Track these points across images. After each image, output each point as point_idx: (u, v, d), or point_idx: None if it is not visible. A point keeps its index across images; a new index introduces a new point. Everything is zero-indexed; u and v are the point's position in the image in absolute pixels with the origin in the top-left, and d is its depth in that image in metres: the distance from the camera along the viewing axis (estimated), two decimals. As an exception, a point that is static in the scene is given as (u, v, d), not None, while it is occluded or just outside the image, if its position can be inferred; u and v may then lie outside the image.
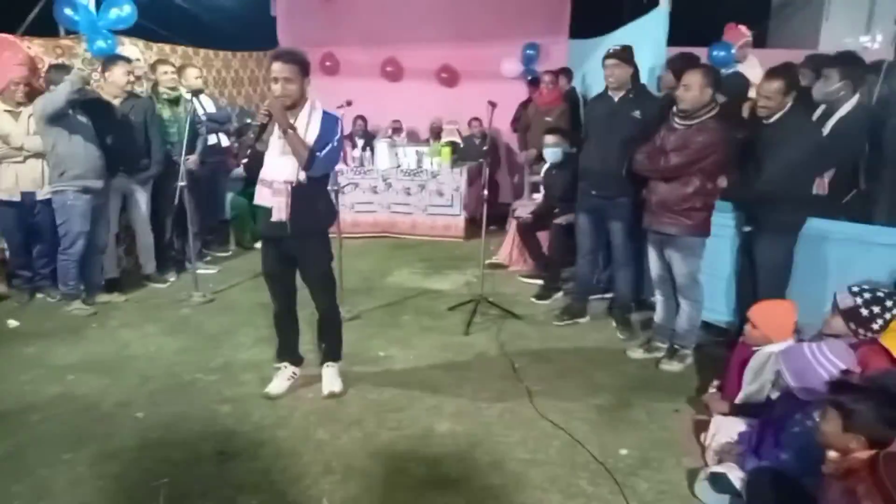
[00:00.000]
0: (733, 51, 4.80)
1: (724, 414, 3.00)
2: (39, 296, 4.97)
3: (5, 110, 4.56)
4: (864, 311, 2.62)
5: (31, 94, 4.72)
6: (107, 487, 2.67)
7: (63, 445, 2.97)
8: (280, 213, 3.14)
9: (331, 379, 3.49)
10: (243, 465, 2.84)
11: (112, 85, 4.95)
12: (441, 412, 3.30)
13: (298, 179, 3.12)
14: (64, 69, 4.70)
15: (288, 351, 3.56)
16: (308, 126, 3.12)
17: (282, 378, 3.52)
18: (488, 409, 3.33)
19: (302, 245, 3.25)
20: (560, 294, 5.02)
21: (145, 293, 5.25)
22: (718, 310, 3.99)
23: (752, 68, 4.12)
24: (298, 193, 3.14)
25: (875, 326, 2.59)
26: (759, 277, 3.57)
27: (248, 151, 3.23)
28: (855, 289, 2.69)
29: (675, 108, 3.51)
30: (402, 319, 4.65)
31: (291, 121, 3.07)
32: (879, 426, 2.07)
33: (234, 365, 3.87)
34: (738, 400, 2.98)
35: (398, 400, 3.43)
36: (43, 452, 2.91)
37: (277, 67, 3.05)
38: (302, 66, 3.10)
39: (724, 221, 3.81)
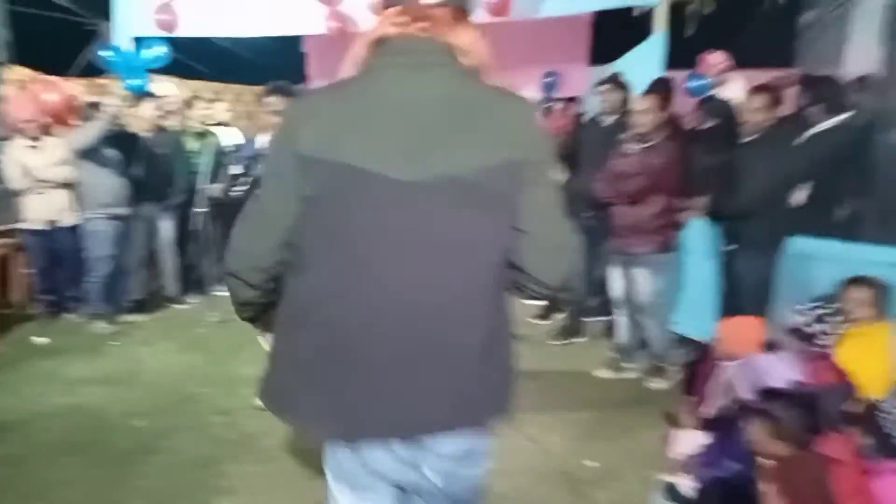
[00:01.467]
0: (707, 79, 4.94)
1: (694, 428, 3.01)
2: (67, 315, 5.31)
3: (27, 146, 4.93)
4: (810, 329, 2.63)
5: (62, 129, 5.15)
6: (100, 490, 2.87)
7: (66, 449, 3.20)
8: None
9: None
10: (225, 470, 3.01)
11: (140, 119, 5.33)
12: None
13: None
14: (96, 106, 5.09)
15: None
16: None
17: (273, 391, 3.68)
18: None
19: None
20: (561, 315, 5.06)
21: (168, 313, 5.56)
22: (703, 326, 3.98)
23: (734, 91, 4.18)
24: None
25: (821, 342, 2.59)
26: (740, 295, 3.58)
27: (252, 182, 3.47)
28: (801, 307, 2.70)
29: (626, 134, 3.62)
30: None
31: None
32: (803, 433, 2.10)
33: (235, 380, 4.07)
34: (706, 414, 2.98)
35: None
36: (47, 456, 3.15)
37: (275, 101, 3.30)
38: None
39: (705, 238, 3.84)
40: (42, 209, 4.97)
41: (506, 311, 1.41)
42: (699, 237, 3.95)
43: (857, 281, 2.90)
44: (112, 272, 5.10)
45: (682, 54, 5.45)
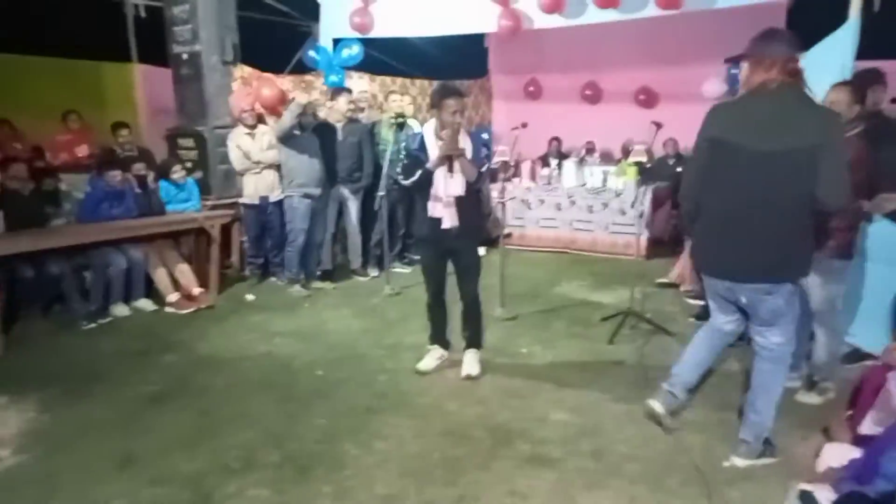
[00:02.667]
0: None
1: (847, 442, 2.86)
2: (272, 279, 6.23)
3: (245, 133, 5.87)
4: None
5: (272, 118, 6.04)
6: (284, 420, 3.46)
7: (261, 386, 3.88)
8: (451, 220, 3.73)
9: (470, 363, 3.98)
10: (383, 419, 3.45)
11: (336, 112, 6.06)
12: (561, 404, 3.59)
13: (463, 193, 3.72)
14: (340, 92, 5.93)
15: (438, 336, 4.13)
16: (466, 147, 3.72)
17: (431, 358, 4.10)
18: (607, 408, 3.54)
19: (460, 244, 3.82)
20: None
21: (350, 284, 6.27)
22: (880, 339, 3.66)
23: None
24: (461, 204, 3.73)
25: None
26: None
27: (420, 173, 3.81)
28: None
29: None
30: (554, 324, 4.97)
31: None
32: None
33: (400, 345, 4.55)
34: (861, 428, 2.82)
35: (525, 388, 3.79)
36: (247, 389, 3.84)
37: (455, 103, 3.65)
38: (465, 98, 3.73)
39: (890, 244, 3.53)
40: (256, 187, 5.90)
41: (800, 223, 2.61)
42: (883, 243, 3.65)
43: None
44: (307, 244, 5.88)
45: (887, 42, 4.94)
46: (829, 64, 4.61)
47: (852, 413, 3.05)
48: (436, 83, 8.13)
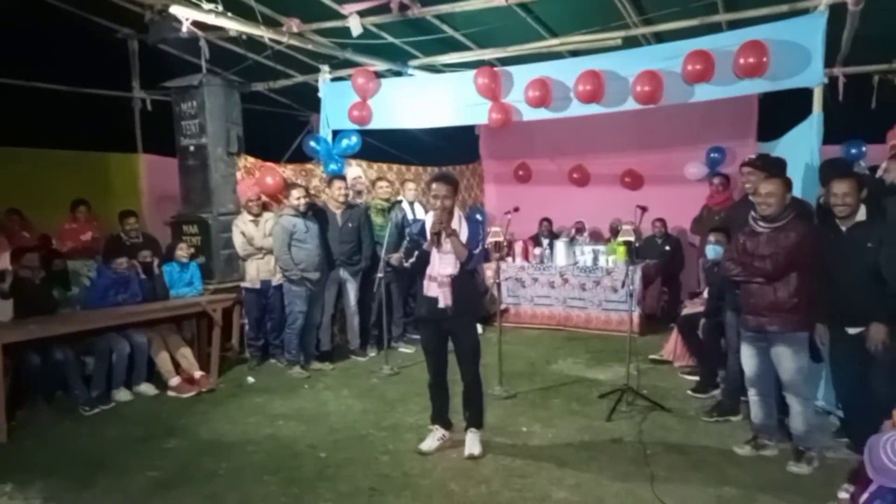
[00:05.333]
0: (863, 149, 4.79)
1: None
2: (271, 361, 6.30)
3: (250, 220, 6.12)
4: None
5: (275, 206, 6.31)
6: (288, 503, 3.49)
7: (265, 470, 3.90)
8: (444, 300, 3.89)
9: (472, 443, 4.04)
10: (387, 501, 3.49)
11: (331, 198, 6.33)
12: (562, 483, 3.64)
13: (456, 273, 3.88)
14: (294, 186, 6.16)
15: (439, 416, 4.20)
16: (461, 230, 3.91)
17: (433, 438, 4.16)
18: (607, 486, 3.59)
19: (458, 324, 3.96)
20: (717, 391, 5.00)
21: (348, 364, 6.35)
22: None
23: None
24: (455, 284, 3.89)
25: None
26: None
27: (417, 254, 4.02)
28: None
29: (753, 214, 3.68)
30: (552, 402, 5.05)
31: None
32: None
33: (401, 425, 4.61)
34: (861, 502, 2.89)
35: (526, 468, 3.85)
36: (252, 473, 3.87)
37: (437, 187, 3.88)
38: (455, 185, 3.94)
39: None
40: (258, 271, 6.08)
41: None
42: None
43: None
44: (306, 326, 6.00)
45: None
46: (799, 151, 4.96)
47: (854, 490, 3.12)
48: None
